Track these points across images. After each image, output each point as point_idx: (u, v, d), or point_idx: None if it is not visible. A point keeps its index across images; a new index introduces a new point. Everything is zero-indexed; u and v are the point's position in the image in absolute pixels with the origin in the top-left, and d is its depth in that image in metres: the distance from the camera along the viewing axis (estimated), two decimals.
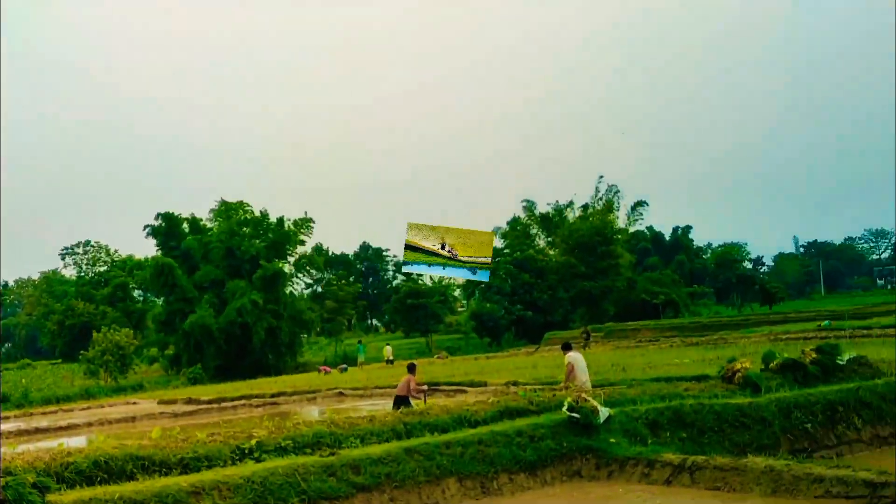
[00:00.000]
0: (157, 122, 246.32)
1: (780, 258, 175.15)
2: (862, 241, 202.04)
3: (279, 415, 27.79)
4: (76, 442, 19.99)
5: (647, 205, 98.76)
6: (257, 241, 69.49)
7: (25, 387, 58.59)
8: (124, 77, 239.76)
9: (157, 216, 71.87)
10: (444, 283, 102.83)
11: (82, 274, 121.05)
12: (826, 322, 51.90)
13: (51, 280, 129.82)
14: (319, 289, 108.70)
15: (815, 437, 16.09)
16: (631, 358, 35.43)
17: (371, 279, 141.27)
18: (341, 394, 33.85)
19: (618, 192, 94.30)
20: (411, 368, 23.63)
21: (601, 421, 14.74)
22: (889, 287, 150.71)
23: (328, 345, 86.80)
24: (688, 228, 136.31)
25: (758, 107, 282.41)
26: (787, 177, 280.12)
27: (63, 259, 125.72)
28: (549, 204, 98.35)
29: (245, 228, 70.90)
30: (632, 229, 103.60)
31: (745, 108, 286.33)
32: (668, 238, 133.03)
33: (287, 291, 71.35)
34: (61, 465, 11.51)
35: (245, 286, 65.77)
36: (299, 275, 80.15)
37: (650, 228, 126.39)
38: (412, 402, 21.30)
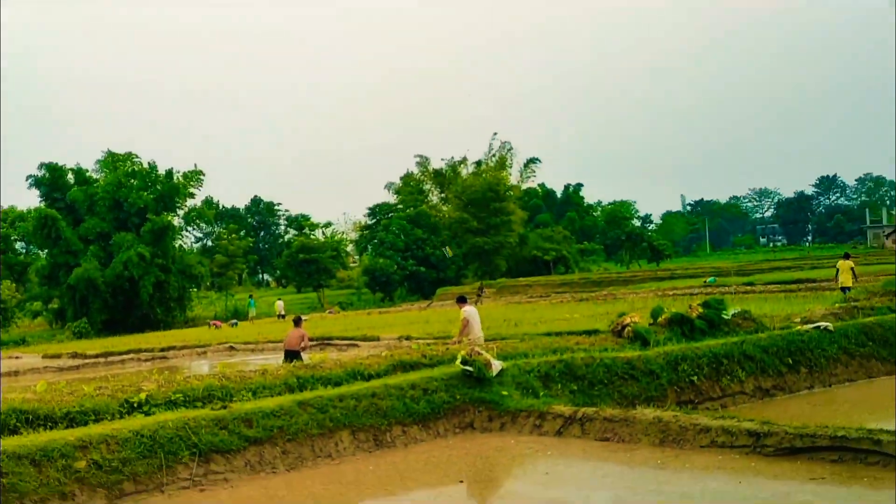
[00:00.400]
0: (41, 65, 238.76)
1: (668, 216, 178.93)
2: (746, 200, 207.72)
3: (169, 369, 27.41)
4: None
5: (539, 162, 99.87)
6: (145, 194, 67.77)
7: None
8: None
9: (41, 166, 69.64)
10: (336, 238, 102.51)
11: None
12: (711, 279, 53.29)
13: None
14: (209, 243, 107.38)
15: (700, 389, 16.50)
16: (523, 313, 35.86)
17: (262, 233, 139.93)
18: (232, 348, 33.55)
19: (511, 149, 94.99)
20: (297, 322, 23.49)
21: (494, 374, 14.86)
22: (771, 245, 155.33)
23: (218, 299, 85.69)
24: (579, 186, 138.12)
25: (646, 65, 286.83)
26: (675, 136, 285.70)
27: None
28: (443, 160, 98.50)
29: (133, 180, 69.07)
30: (524, 186, 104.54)
31: (634, 67, 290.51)
32: (559, 195, 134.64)
33: (176, 245, 69.93)
34: None
35: (132, 239, 64.31)
36: (189, 228, 78.86)
37: (542, 186, 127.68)
38: (303, 355, 21.20)
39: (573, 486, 10.55)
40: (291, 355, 21.38)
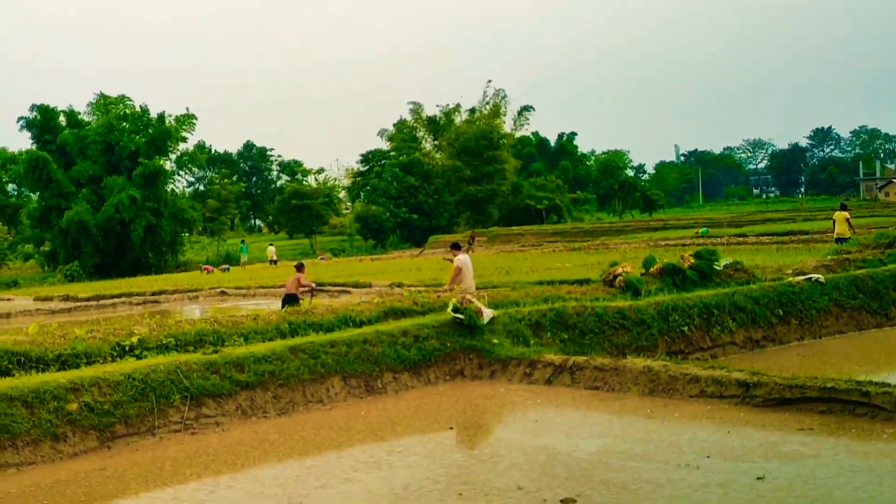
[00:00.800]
0: (33, 5, 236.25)
1: (661, 166, 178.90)
2: (740, 151, 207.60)
3: (160, 313, 27.48)
4: None
5: (533, 109, 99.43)
6: (137, 137, 67.44)
7: None
8: None
9: (32, 108, 69.22)
10: (328, 184, 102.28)
11: None
12: (704, 230, 53.32)
13: None
14: (202, 187, 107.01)
15: (691, 339, 16.55)
16: (515, 261, 35.92)
17: (255, 179, 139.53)
18: (224, 293, 33.61)
19: (505, 97, 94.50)
20: (300, 267, 23.72)
21: (485, 322, 14.89)
22: (764, 196, 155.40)
23: (210, 244, 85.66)
24: (572, 135, 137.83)
25: (644, 12, 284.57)
26: (669, 85, 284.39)
27: None
28: (437, 106, 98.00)
29: (124, 123, 68.72)
30: (518, 134, 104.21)
31: (631, 13, 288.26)
32: (553, 144, 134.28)
33: (168, 189, 69.78)
34: None
35: (124, 182, 64.08)
36: (181, 172, 78.51)
37: (535, 134, 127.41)
38: (309, 297, 21.44)
39: (562, 433, 10.62)
40: (289, 299, 21.61)
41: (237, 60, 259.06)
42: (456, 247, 21.37)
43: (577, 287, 19.22)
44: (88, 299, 35.27)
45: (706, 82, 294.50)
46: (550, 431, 10.75)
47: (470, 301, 15.24)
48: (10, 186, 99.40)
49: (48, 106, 69.59)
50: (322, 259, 61.20)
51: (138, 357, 12.68)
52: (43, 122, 68.74)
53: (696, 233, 51.52)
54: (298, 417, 12.24)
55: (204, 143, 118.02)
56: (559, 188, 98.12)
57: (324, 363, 13.11)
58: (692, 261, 19.37)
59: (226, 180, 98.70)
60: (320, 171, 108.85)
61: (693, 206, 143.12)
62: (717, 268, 19.46)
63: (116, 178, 64.75)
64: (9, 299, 40.78)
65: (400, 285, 26.56)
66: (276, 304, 23.80)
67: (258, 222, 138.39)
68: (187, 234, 75.91)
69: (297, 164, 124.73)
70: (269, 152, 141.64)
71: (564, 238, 63.84)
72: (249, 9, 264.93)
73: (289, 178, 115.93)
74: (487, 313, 15.05)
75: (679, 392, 11.89)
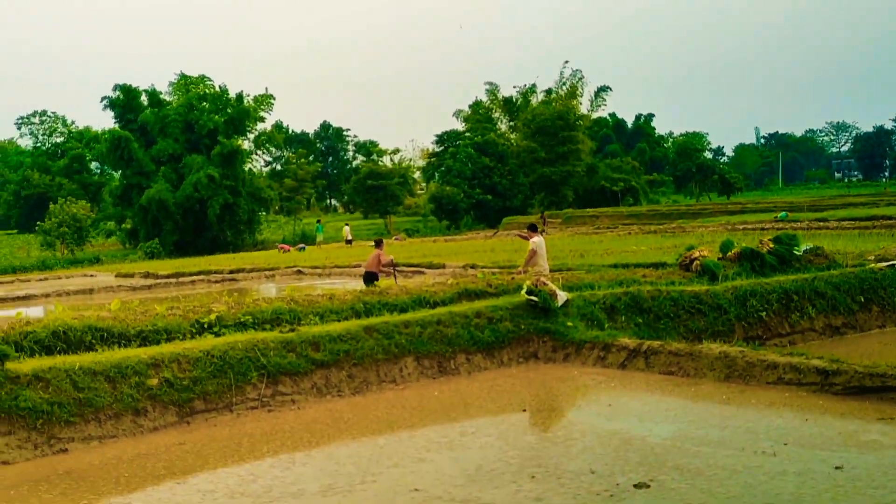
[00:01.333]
0: None
1: (741, 149, 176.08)
2: (822, 134, 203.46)
3: (237, 291, 27.85)
4: (34, 312, 19.92)
5: (611, 90, 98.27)
6: (216, 117, 68.24)
7: None
8: None
9: (115, 87, 70.38)
10: (404, 164, 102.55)
11: (38, 144, 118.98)
12: (783, 213, 52.39)
13: (6, 150, 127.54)
14: (279, 167, 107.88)
15: (769, 325, 16.35)
16: (589, 244, 35.69)
17: (331, 159, 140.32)
18: (300, 272, 33.93)
19: (581, 77, 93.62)
20: (378, 243, 23.92)
21: (559, 305, 14.87)
22: (846, 180, 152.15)
23: (287, 223, 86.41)
24: (650, 117, 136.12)
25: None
26: (751, 67, 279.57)
27: (19, 129, 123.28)
28: (514, 87, 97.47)
29: (204, 103, 69.59)
30: (594, 115, 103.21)
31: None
32: (629, 126, 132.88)
33: (246, 168, 70.52)
34: (20, 334, 11.46)
35: (202, 161, 64.93)
36: (258, 152, 79.37)
37: (612, 115, 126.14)
38: (381, 277, 21.60)
39: (636, 418, 10.57)
40: (370, 277, 21.87)
41: (314, 41, 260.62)
42: (532, 228, 21.25)
43: (653, 271, 19.08)
44: (168, 276, 35.88)
45: (788, 64, 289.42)
46: (624, 415, 10.71)
47: (544, 283, 15.22)
48: (94, 165, 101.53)
49: (130, 86, 70.72)
50: (396, 239, 61.43)
51: (217, 334, 12.88)
52: (125, 101, 69.89)
53: (776, 217, 50.64)
54: (372, 397, 12.36)
55: (281, 123, 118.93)
56: (635, 170, 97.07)
57: (398, 343, 13.21)
58: (771, 245, 19.10)
59: (302, 160, 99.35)
60: (395, 151, 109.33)
61: (773, 190, 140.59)
62: (797, 253, 19.17)
63: (195, 156, 65.64)
64: (91, 275, 41.66)
65: (474, 266, 26.58)
66: (352, 284, 24.02)
67: (334, 202, 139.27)
68: (264, 213, 76.70)
69: (373, 144, 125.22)
70: (345, 133, 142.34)
71: (640, 221, 63.19)
72: None
73: (364, 159, 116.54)
74: (562, 296, 15.02)
75: (756, 378, 11.76)
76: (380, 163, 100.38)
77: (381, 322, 13.62)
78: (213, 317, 13.36)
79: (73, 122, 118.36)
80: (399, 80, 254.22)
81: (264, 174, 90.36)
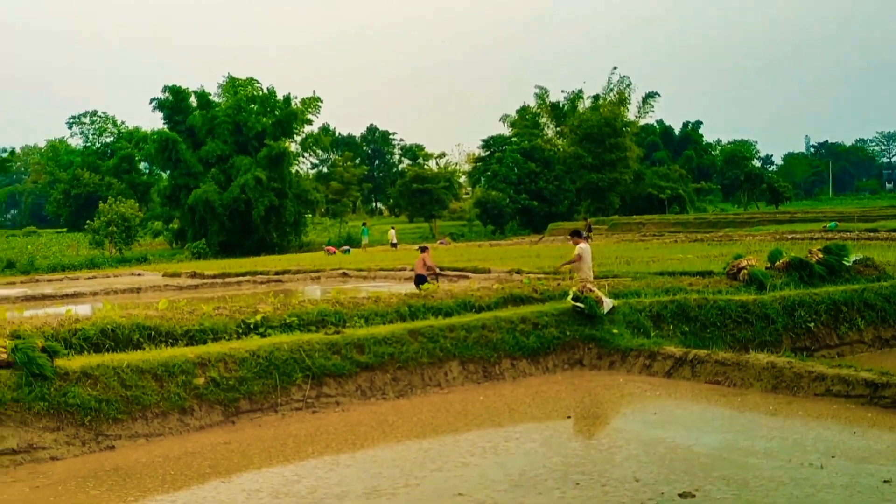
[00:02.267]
0: None
1: (790, 157, 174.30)
2: (873, 144, 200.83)
3: (283, 292, 28.00)
4: (83, 310, 20.19)
5: (658, 96, 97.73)
6: (264, 119, 68.78)
7: (31, 254, 58.96)
8: None
9: (164, 89, 71.10)
10: (449, 168, 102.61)
11: (88, 144, 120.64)
12: (832, 223, 51.85)
13: (57, 148, 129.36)
14: (325, 169, 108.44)
15: (817, 336, 16.19)
16: (635, 251, 35.50)
17: (377, 162, 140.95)
18: (345, 274, 34.06)
19: (629, 84, 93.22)
20: (424, 249, 24.20)
21: (605, 312, 14.81)
22: None
23: (332, 226, 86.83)
24: (698, 124, 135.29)
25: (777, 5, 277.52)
26: (801, 76, 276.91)
27: (70, 128, 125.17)
28: (562, 92, 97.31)
29: (252, 105, 70.15)
30: (642, 122, 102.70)
31: (761, 6, 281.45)
32: (677, 133, 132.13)
33: (293, 171, 70.94)
34: (69, 332, 11.62)
35: (250, 163, 65.43)
36: (305, 154, 79.72)
37: (660, 122, 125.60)
38: (433, 280, 21.84)
39: (681, 427, 10.51)
40: (420, 280, 22.12)
41: (363, 46, 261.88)
42: (576, 234, 21.19)
43: (700, 279, 18.94)
44: (215, 277, 36.14)
45: (839, 73, 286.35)
46: (669, 424, 10.65)
47: (590, 290, 15.17)
48: (143, 165, 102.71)
49: (180, 87, 71.40)
50: (441, 243, 61.48)
51: (262, 335, 12.98)
52: (174, 102, 70.58)
53: (825, 227, 50.13)
54: (416, 400, 12.39)
55: (328, 125, 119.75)
56: (682, 178, 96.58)
57: (442, 347, 13.23)
58: (820, 255, 18.90)
59: (349, 163, 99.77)
60: (441, 155, 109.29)
61: (822, 200, 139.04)
62: (847, 263, 18.95)
63: (243, 158, 66.14)
64: (139, 274, 42.11)
65: (519, 272, 26.52)
66: (397, 287, 24.11)
67: (379, 205, 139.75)
68: (310, 216, 77.11)
69: (419, 148, 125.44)
70: (391, 136, 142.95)
71: (687, 229, 62.82)
72: None
73: (410, 162, 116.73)
74: (608, 303, 14.97)
75: (804, 390, 11.64)
76: (426, 167, 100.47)
77: (426, 326, 13.65)
78: (259, 317, 13.46)
79: (122, 123, 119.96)
80: (446, 83, 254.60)
81: (311, 176, 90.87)
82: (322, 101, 72.03)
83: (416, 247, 25.67)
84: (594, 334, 14.45)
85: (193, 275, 37.90)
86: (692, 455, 9.15)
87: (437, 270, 24.07)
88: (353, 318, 14.13)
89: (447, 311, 15.02)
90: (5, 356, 10.06)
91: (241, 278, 34.95)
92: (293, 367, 11.83)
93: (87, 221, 65.69)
